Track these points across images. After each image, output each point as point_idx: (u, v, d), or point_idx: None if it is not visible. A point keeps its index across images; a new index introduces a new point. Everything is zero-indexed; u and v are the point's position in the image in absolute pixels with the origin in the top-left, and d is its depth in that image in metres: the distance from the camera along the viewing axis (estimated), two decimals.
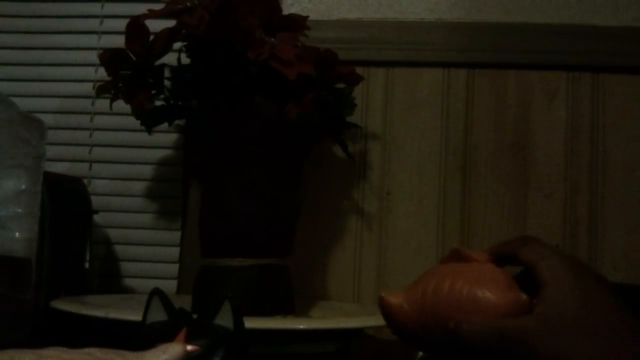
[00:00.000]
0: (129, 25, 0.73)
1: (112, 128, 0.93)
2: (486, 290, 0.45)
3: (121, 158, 0.93)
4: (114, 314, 0.61)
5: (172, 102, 0.78)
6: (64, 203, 0.76)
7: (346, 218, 0.92)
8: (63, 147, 0.93)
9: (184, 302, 0.59)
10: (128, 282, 0.92)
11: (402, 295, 0.49)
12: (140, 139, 0.89)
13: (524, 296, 0.44)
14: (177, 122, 0.84)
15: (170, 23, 0.72)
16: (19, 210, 0.59)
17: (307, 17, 0.77)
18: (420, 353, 0.58)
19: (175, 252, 0.92)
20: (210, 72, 0.73)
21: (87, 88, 0.94)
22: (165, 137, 0.92)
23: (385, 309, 0.50)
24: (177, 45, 0.76)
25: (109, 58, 0.74)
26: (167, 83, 0.78)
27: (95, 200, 0.85)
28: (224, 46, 0.70)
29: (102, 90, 0.76)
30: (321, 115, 0.77)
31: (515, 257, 0.47)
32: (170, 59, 0.77)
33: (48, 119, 0.67)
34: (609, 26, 0.90)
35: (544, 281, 0.44)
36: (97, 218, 0.85)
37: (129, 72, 0.74)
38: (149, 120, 0.79)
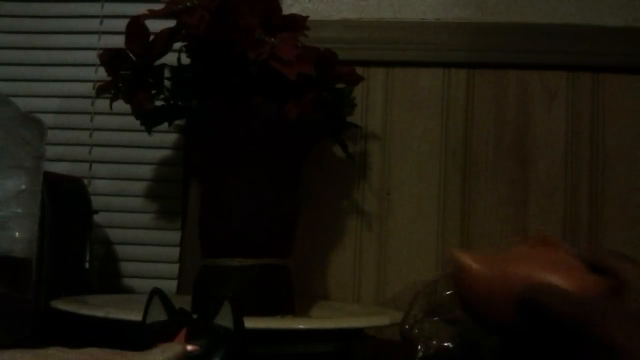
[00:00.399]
0: (129, 25, 0.73)
1: (112, 128, 0.93)
2: (565, 277, 0.46)
3: (121, 158, 0.93)
4: (114, 314, 0.61)
5: (172, 102, 0.78)
6: (64, 203, 0.76)
7: (346, 218, 0.92)
8: (63, 147, 0.93)
9: (184, 302, 0.59)
10: (128, 282, 0.92)
11: (479, 260, 0.49)
12: (140, 139, 0.89)
13: (605, 281, 0.45)
14: (177, 122, 0.83)
15: (170, 23, 0.72)
16: (19, 211, 0.59)
17: (307, 17, 0.77)
18: (421, 353, 0.58)
19: (175, 252, 0.92)
20: (210, 72, 0.73)
21: (87, 88, 0.94)
22: (165, 137, 0.92)
23: (461, 269, 0.49)
24: (177, 45, 0.76)
25: (109, 58, 0.74)
26: (167, 83, 0.78)
27: (95, 201, 0.85)
28: (224, 46, 0.70)
29: (102, 90, 0.76)
30: (321, 115, 0.77)
31: (597, 262, 0.48)
32: (170, 59, 0.77)
33: (48, 119, 0.67)
34: (609, 26, 0.90)
35: (628, 283, 0.45)
36: (97, 218, 0.85)
37: (129, 72, 0.74)
38: (149, 120, 0.79)
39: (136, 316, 0.51)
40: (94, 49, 0.94)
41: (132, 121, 0.79)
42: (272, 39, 0.69)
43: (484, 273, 0.48)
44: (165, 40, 0.73)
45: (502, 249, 0.50)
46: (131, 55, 0.73)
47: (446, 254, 0.50)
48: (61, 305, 0.65)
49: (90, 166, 0.94)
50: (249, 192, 0.73)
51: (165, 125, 0.82)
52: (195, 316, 0.48)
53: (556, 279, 0.45)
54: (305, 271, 0.89)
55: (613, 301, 0.44)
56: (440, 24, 0.92)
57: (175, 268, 0.91)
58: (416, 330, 0.65)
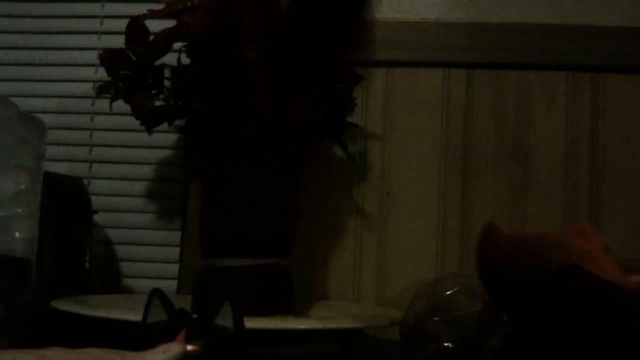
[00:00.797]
0: (129, 26, 0.73)
1: (112, 128, 0.93)
2: (597, 267, 0.45)
3: (121, 158, 0.93)
4: (114, 314, 0.61)
5: (172, 102, 0.78)
6: (64, 203, 0.76)
7: (346, 218, 0.92)
8: (63, 147, 0.93)
9: (184, 302, 0.59)
10: (128, 282, 0.92)
11: (510, 235, 0.48)
12: (140, 139, 0.89)
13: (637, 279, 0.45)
14: (177, 122, 0.83)
15: (170, 23, 0.72)
16: (19, 211, 0.59)
17: None
18: (421, 353, 0.58)
19: (175, 252, 0.92)
20: (210, 72, 0.73)
21: (87, 88, 0.94)
22: (165, 137, 0.92)
23: (491, 235, 0.48)
24: (177, 45, 0.76)
25: (109, 58, 0.74)
26: (167, 83, 0.78)
27: (95, 201, 0.85)
28: (224, 46, 0.70)
29: (102, 90, 0.76)
30: (321, 115, 0.77)
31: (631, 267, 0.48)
32: (170, 59, 0.77)
33: (48, 119, 0.67)
34: (609, 26, 0.90)
35: None
36: (97, 218, 0.85)
37: (128, 72, 0.74)
38: (149, 120, 0.79)
39: (136, 316, 0.51)
40: (94, 49, 0.94)
41: (132, 121, 0.79)
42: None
43: (514, 245, 0.47)
44: (165, 40, 0.73)
45: (539, 230, 0.50)
46: (131, 55, 0.73)
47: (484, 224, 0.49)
48: (61, 305, 0.65)
49: (90, 166, 0.94)
50: (249, 192, 0.73)
51: (165, 125, 0.82)
52: (195, 316, 0.48)
53: (589, 267, 0.45)
54: (305, 271, 0.89)
55: None
56: (440, 24, 0.92)
57: (175, 268, 0.91)
58: (416, 330, 0.65)
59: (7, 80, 0.95)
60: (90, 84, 0.93)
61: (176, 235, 0.92)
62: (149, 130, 0.80)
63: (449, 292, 0.66)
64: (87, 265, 0.81)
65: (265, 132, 0.73)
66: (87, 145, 0.94)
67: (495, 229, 0.49)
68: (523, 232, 0.50)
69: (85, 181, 0.89)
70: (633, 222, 0.88)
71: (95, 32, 0.95)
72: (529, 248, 0.47)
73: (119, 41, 0.74)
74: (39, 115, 0.65)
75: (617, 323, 0.42)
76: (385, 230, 0.91)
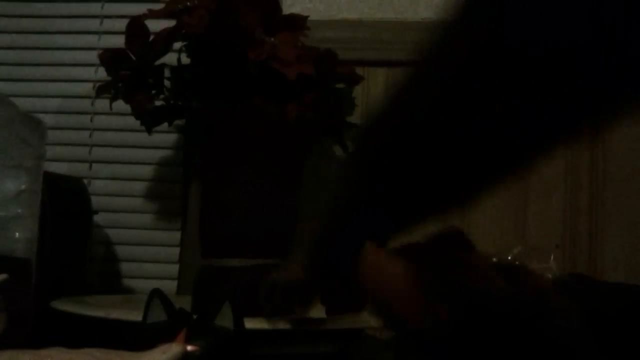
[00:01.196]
0: (129, 25, 0.73)
1: (112, 128, 0.93)
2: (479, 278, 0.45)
3: (121, 158, 0.93)
4: (114, 315, 0.61)
5: (172, 102, 0.78)
6: (64, 203, 0.76)
7: None
8: (63, 148, 0.93)
9: (184, 303, 0.59)
10: (128, 282, 0.92)
11: (392, 250, 0.47)
12: (140, 139, 0.89)
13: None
14: (177, 122, 0.83)
15: (170, 23, 0.72)
16: (19, 211, 0.59)
17: (307, 17, 0.77)
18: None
19: (175, 252, 0.92)
20: (210, 72, 0.73)
21: (87, 88, 0.94)
22: (165, 138, 0.92)
23: (378, 262, 0.45)
24: (177, 45, 0.76)
25: (109, 58, 0.74)
26: (167, 83, 0.78)
27: (95, 201, 0.85)
28: (223, 46, 0.70)
29: (102, 90, 0.76)
30: (321, 115, 0.77)
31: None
32: (170, 59, 0.77)
33: (48, 119, 0.68)
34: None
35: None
36: (97, 218, 0.85)
37: (128, 72, 0.75)
38: (149, 120, 0.79)
39: (136, 316, 0.51)
40: (94, 49, 0.94)
41: (132, 121, 0.79)
42: (272, 39, 0.69)
43: (405, 269, 0.45)
44: (165, 40, 0.73)
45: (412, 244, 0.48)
46: (131, 55, 0.74)
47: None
48: (61, 305, 0.65)
49: (90, 166, 0.94)
50: (249, 192, 0.73)
51: (165, 126, 0.82)
52: (195, 316, 0.48)
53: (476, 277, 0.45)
54: None
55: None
56: None
57: (175, 268, 0.91)
58: None
59: (7, 80, 0.95)
60: (90, 84, 0.93)
61: (176, 236, 0.92)
62: (149, 131, 0.80)
63: None
64: (87, 265, 0.81)
65: (265, 132, 0.73)
66: (87, 145, 0.94)
67: (376, 249, 0.47)
68: (402, 246, 0.48)
69: (85, 181, 0.89)
70: (633, 222, 0.88)
71: (96, 32, 0.95)
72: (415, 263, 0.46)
73: (119, 41, 0.74)
74: (39, 116, 0.65)
75: (522, 332, 0.41)
76: None
